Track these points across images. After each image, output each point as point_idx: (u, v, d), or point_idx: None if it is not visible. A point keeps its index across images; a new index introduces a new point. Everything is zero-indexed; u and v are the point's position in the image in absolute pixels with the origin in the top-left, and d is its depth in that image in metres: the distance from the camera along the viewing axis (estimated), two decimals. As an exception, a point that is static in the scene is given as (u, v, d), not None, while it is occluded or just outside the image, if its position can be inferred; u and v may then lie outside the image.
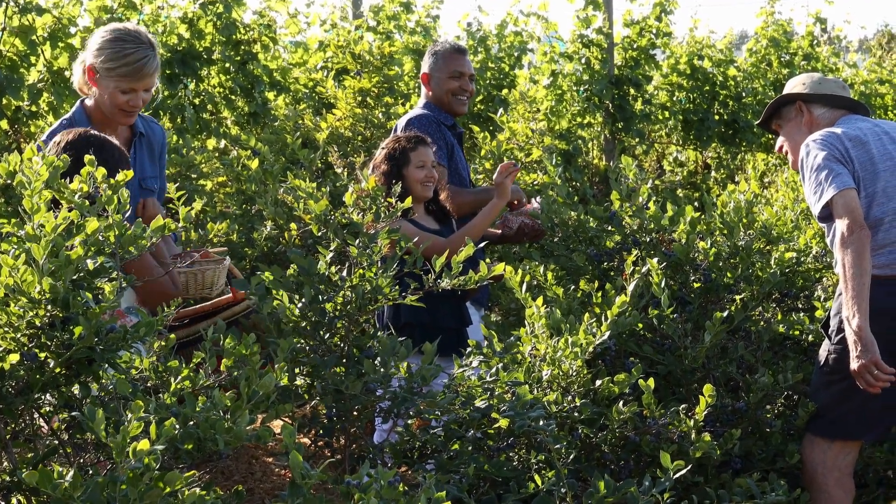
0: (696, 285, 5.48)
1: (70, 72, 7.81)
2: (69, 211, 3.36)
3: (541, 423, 4.26)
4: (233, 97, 9.78)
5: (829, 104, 5.34)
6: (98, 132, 4.80)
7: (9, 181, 3.44)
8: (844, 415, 5.02)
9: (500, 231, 6.49)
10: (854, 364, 4.74)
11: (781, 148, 5.46)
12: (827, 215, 4.95)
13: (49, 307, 3.25)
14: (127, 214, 3.54)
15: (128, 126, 5.33)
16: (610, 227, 5.89)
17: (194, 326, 4.80)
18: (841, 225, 4.82)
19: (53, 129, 5.20)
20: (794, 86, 5.44)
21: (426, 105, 6.70)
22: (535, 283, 5.66)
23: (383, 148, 6.01)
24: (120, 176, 3.56)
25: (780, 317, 5.64)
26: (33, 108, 7.79)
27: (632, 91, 12.14)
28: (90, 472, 3.37)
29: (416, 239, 4.52)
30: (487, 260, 4.92)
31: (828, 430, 5.09)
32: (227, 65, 9.61)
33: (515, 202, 6.52)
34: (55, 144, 4.60)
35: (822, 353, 5.11)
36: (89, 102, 5.26)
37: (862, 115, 5.34)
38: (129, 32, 5.20)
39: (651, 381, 4.61)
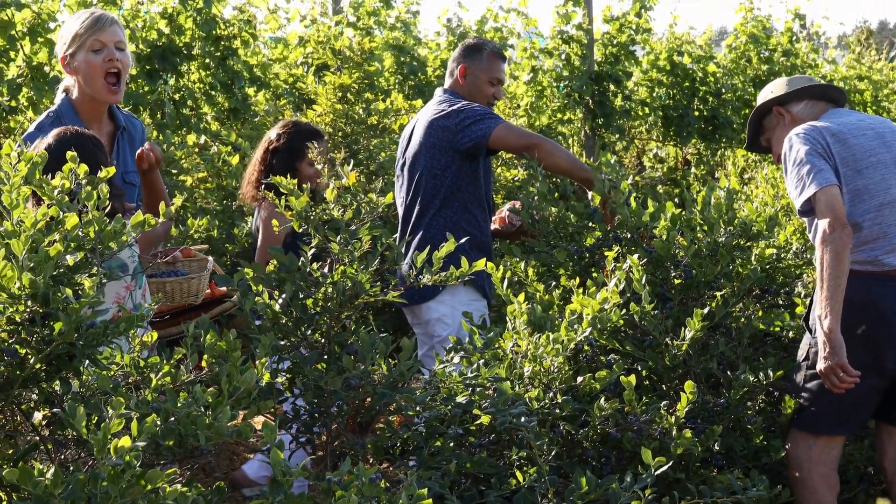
0: (676, 282, 5.48)
1: (49, 66, 7.81)
2: (49, 207, 3.35)
3: (522, 419, 4.26)
4: (213, 93, 9.76)
5: (804, 97, 5.33)
6: (82, 128, 4.80)
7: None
8: (825, 408, 5.02)
9: (498, 226, 6.49)
10: (821, 364, 4.78)
11: (779, 157, 5.42)
12: (808, 210, 4.95)
13: (29, 303, 3.24)
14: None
15: (111, 120, 5.32)
16: (591, 224, 5.89)
17: (182, 324, 4.82)
18: (822, 223, 4.81)
19: (40, 121, 5.19)
20: (765, 95, 5.44)
21: (454, 94, 6.51)
22: (517, 279, 5.65)
23: (281, 133, 6.15)
24: (102, 173, 3.55)
25: (760, 313, 5.65)
26: (13, 104, 7.77)
27: (612, 87, 12.16)
28: (71, 469, 3.36)
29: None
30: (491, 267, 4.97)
31: (810, 424, 5.09)
32: (207, 60, 9.60)
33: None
34: (40, 148, 4.56)
35: (804, 346, 5.11)
36: (74, 96, 5.25)
37: (842, 108, 5.34)
38: (84, 10, 5.33)
39: (632, 378, 4.61)
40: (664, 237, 5.46)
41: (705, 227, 5.56)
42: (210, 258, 5.57)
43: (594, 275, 5.40)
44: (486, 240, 6.37)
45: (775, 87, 5.41)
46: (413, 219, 6.33)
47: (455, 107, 6.28)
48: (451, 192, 6.25)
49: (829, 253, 4.77)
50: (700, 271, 5.41)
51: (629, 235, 5.68)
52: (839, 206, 4.83)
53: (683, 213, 5.69)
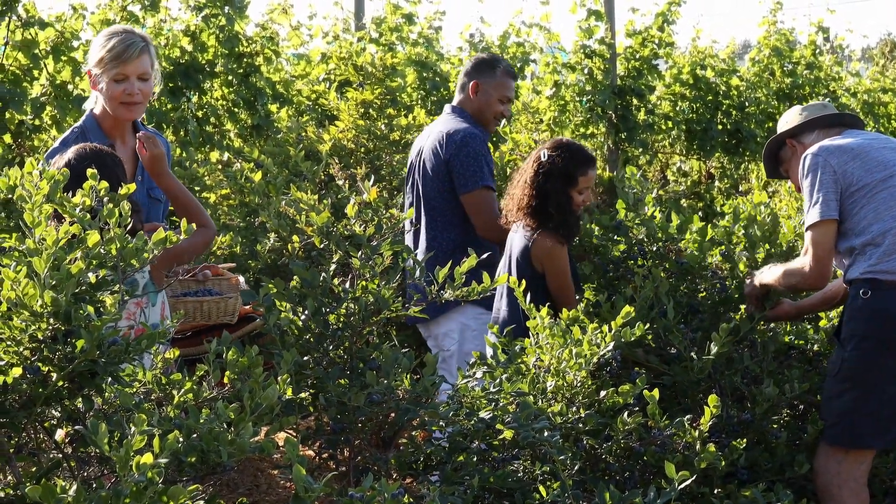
0: (701, 295, 5.48)
1: (73, 85, 7.84)
2: (70, 224, 3.36)
3: (545, 434, 4.24)
4: (236, 109, 9.77)
5: (815, 127, 5.33)
6: (100, 145, 4.82)
7: (9, 195, 3.44)
8: (858, 422, 4.98)
9: None
10: (747, 289, 5.43)
11: (798, 188, 5.42)
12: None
13: (51, 320, 3.24)
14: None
15: (136, 135, 5.34)
16: (616, 237, 5.88)
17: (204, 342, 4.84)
18: (809, 257, 5.01)
19: (65, 137, 5.22)
20: (781, 127, 5.47)
21: (461, 112, 6.57)
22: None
23: (554, 156, 5.70)
24: (123, 189, 3.56)
25: (788, 327, 5.63)
26: (36, 122, 7.79)
27: (635, 101, 12.11)
28: (94, 486, 3.36)
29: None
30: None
31: (843, 439, 5.04)
32: (230, 77, 9.60)
33: None
34: (60, 164, 4.57)
35: (835, 361, 5.07)
36: (98, 111, 5.27)
37: (858, 129, 5.33)
38: (117, 28, 5.31)
39: (656, 392, 4.59)
40: (691, 250, 5.46)
41: (746, 244, 5.59)
42: (241, 277, 5.58)
43: (620, 288, 5.39)
44: (492, 257, 6.38)
45: (789, 119, 5.43)
46: (421, 236, 6.35)
47: (455, 139, 6.31)
48: (456, 213, 6.26)
49: (802, 283, 5.14)
50: (736, 287, 5.43)
51: (655, 248, 5.67)
52: (826, 248, 5.00)
53: (721, 224, 5.71)
